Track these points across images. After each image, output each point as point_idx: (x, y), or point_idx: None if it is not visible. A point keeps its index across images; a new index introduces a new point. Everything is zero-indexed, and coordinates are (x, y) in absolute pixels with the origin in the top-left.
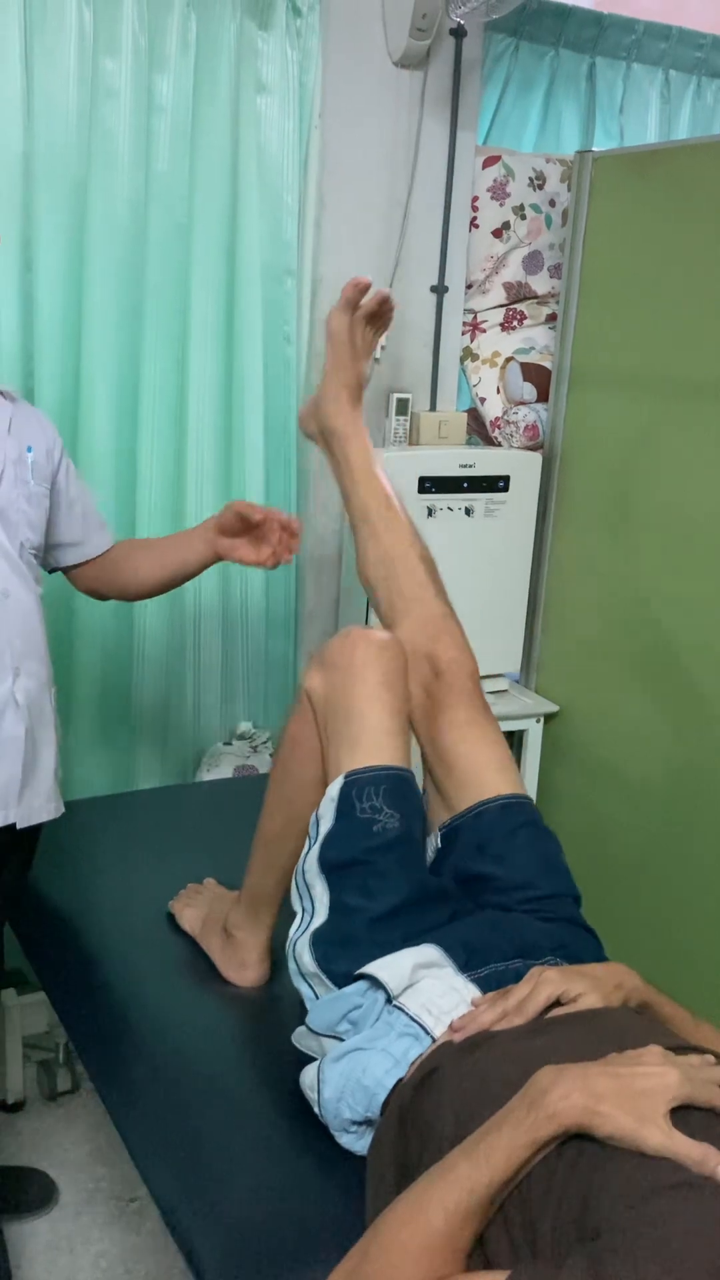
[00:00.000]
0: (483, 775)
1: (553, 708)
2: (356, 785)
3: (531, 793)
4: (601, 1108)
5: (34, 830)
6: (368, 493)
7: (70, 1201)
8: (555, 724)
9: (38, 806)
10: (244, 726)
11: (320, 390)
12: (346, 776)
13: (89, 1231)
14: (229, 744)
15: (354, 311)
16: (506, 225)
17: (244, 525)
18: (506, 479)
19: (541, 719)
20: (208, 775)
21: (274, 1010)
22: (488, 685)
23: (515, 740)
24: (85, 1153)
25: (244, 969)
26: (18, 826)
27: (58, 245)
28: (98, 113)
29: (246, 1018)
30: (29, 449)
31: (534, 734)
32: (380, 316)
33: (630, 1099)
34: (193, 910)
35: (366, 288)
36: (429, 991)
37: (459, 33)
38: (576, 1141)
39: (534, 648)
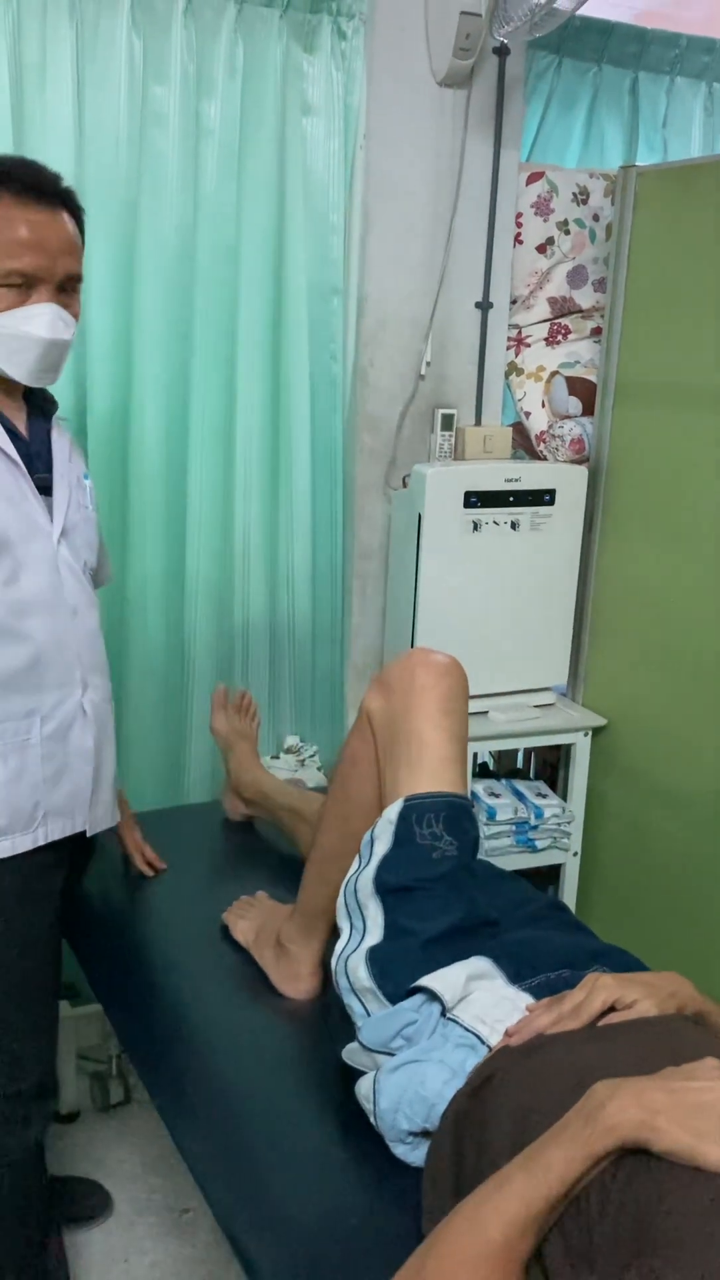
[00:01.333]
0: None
1: (600, 721)
2: (417, 811)
3: (579, 807)
4: (658, 1122)
5: (89, 842)
6: (288, 799)
7: (124, 1212)
8: (603, 738)
9: (102, 815)
10: (291, 740)
11: (231, 780)
12: (406, 801)
13: (143, 1242)
14: (277, 757)
15: (225, 709)
16: (550, 240)
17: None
18: (552, 492)
19: (589, 732)
20: None
21: (326, 1022)
22: (534, 699)
23: (563, 754)
24: (138, 1164)
25: (297, 981)
26: (87, 834)
27: (109, 268)
28: (147, 138)
29: (300, 1029)
30: (85, 475)
31: (581, 748)
32: (245, 710)
33: (687, 1114)
34: (246, 922)
35: (225, 692)
36: (482, 1002)
37: (502, 51)
38: (633, 1156)
39: (581, 661)
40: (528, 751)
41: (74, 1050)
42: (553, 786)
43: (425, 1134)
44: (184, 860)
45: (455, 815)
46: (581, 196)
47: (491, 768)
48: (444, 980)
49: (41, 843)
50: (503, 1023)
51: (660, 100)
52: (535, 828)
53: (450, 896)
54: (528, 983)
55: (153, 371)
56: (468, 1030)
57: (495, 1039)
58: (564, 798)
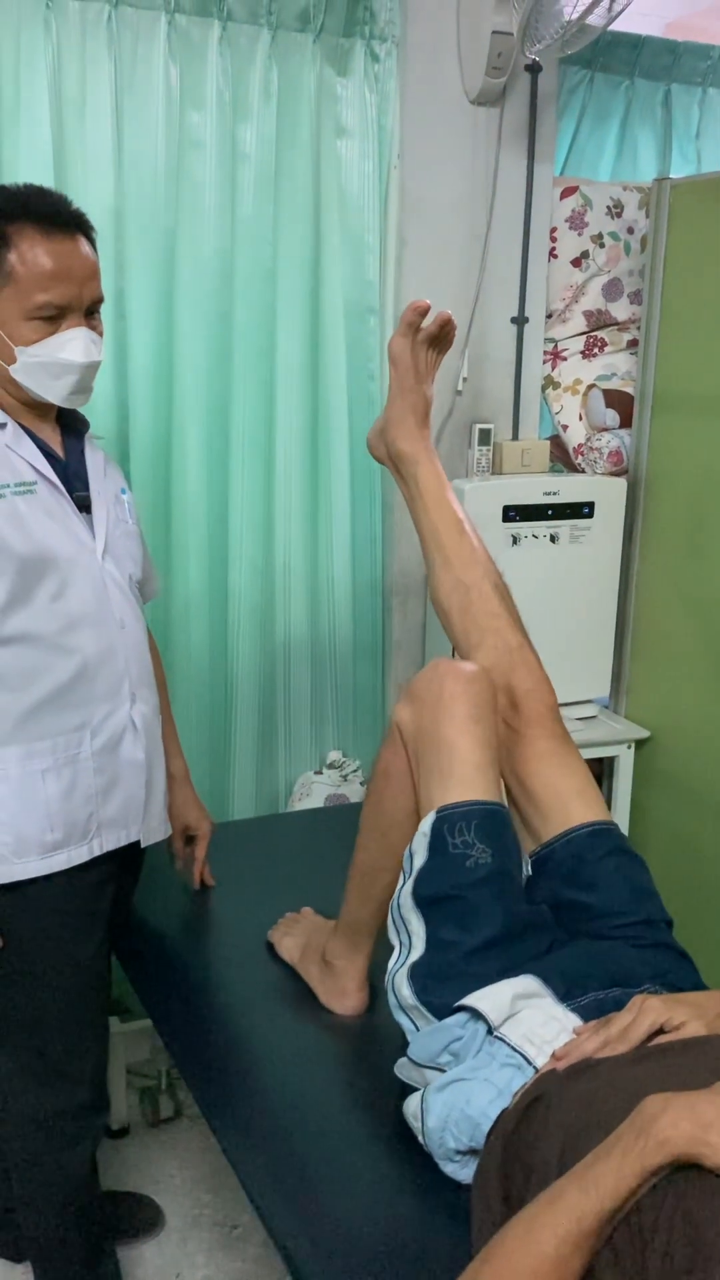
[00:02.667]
0: (567, 804)
1: (643, 733)
2: (448, 821)
3: (623, 819)
4: (710, 1137)
5: (139, 855)
6: (439, 518)
7: (175, 1227)
8: (646, 750)
9: (154, 826)
10: (334, 755)
11: (386, 414)
12: (438, 812)
13: (195, 1257)
14: (319, 773)
15: (415, 335)
16: (585, 254)
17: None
18: (591, 505)
19: (632, 745)
20: (299, 804)
21: (374, 1038)
22: (576, 711)
23: (606, 766)
24: (188, 1179)
25: (343, 997)
26: (141, 844)
27: (149, 294)
28: (184, 164)
29: (348, 1045)
30: (123, 490)
31: (625, 760)
32: (441, 339)
33: None
34: (291, 939)
35: (425, 310)
36: (530, 1021)
37: (534, 68)
38: (686, 1171)
39: (623, 673)
40: None
41: (123, 1066)
42: None
43: (473, 1152)
44: (230, 877)
45: (487, 821)
46: (615, 210)
47: None
48: (490, 999)
49: (97, 853)
50: (550, 1043)
51: (693, 112)
52: None
53: (489, 904)
54: (577, 1001)
55: (194, 393)
56: (514, 1050)
57: (542, 1060)
58: (609, 809)
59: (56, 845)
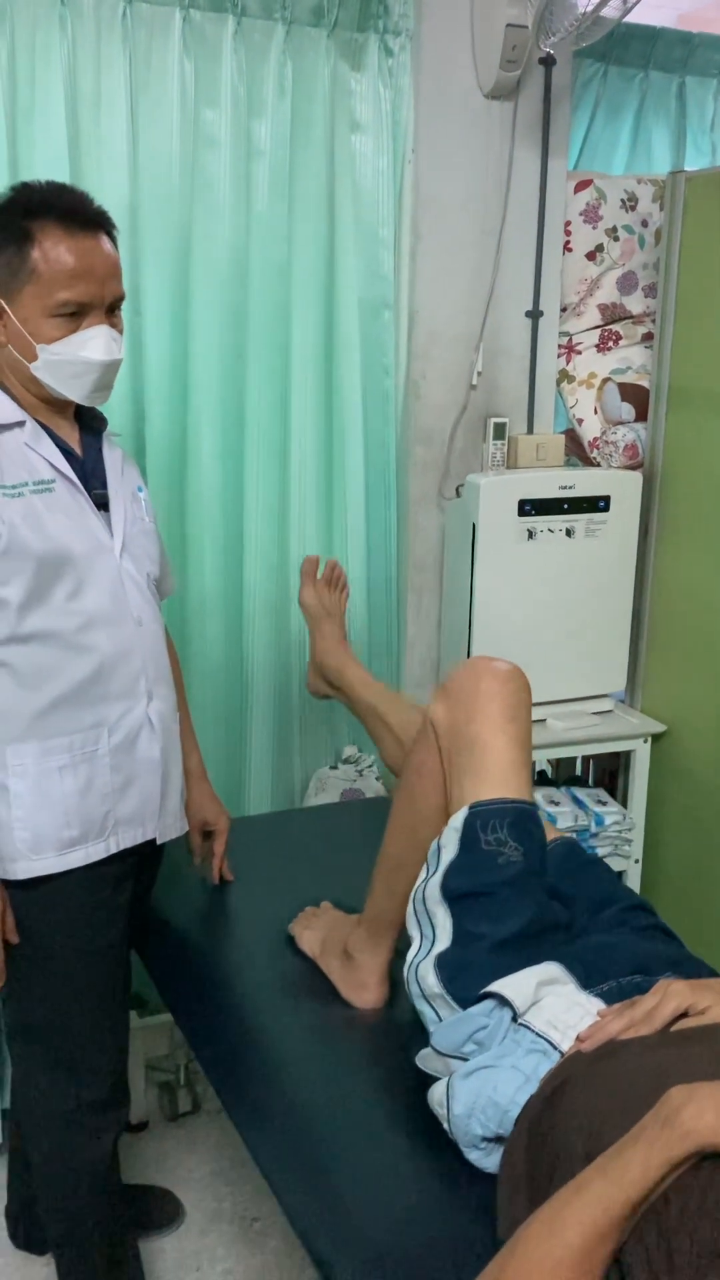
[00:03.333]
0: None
1: (659, 728)
2: (481, 817)
3: (639, 814)
4: None
5: (158, 852)
6: (373, 697)
7: (195, 1220)
8: (663, 744)
9: (171, 823)
10: (349, 750)
11: (312, 656)
12: (471, 808)
13: (215, 1250)
14: (334, 768)
15: (314, 582)
16: (600, 248)
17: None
18: (607, 499)
19: (648, 739)
20: (315, 799)
21: (395, 1031)
22: (591, 706)
23: (622, 761)
24: (208, 1172)
25: (364, 990)
26: (157, 841)
27: (164, 291)
28: (199, 161)
29: (368, 1038)
30: (140, 488)
31: (641, 755)
32: (335, 581)
33: None
34: (312, 932)
35: (317, 561)
36: (553, 1008)
37: (549, 61)
38: (714, 1160)
39: (639, 667)
40: (586, 759)
41: (142, 1060)
42: (612, 794)
43: (499, 1139)
44: (247, 872)
45: (521, 821)
46: (630, 203)
47: (550, 776)
48: (514, 986)
49: (114, 850)
50: (574, 1028)
51: (708, 104)
52: (596, 835)
53: (518, 901)
54: (599, 988)
55: (208, 389)
56: (539, 1036)
57: (567, 1044)
58: (624, 805)
59: (73, 842)
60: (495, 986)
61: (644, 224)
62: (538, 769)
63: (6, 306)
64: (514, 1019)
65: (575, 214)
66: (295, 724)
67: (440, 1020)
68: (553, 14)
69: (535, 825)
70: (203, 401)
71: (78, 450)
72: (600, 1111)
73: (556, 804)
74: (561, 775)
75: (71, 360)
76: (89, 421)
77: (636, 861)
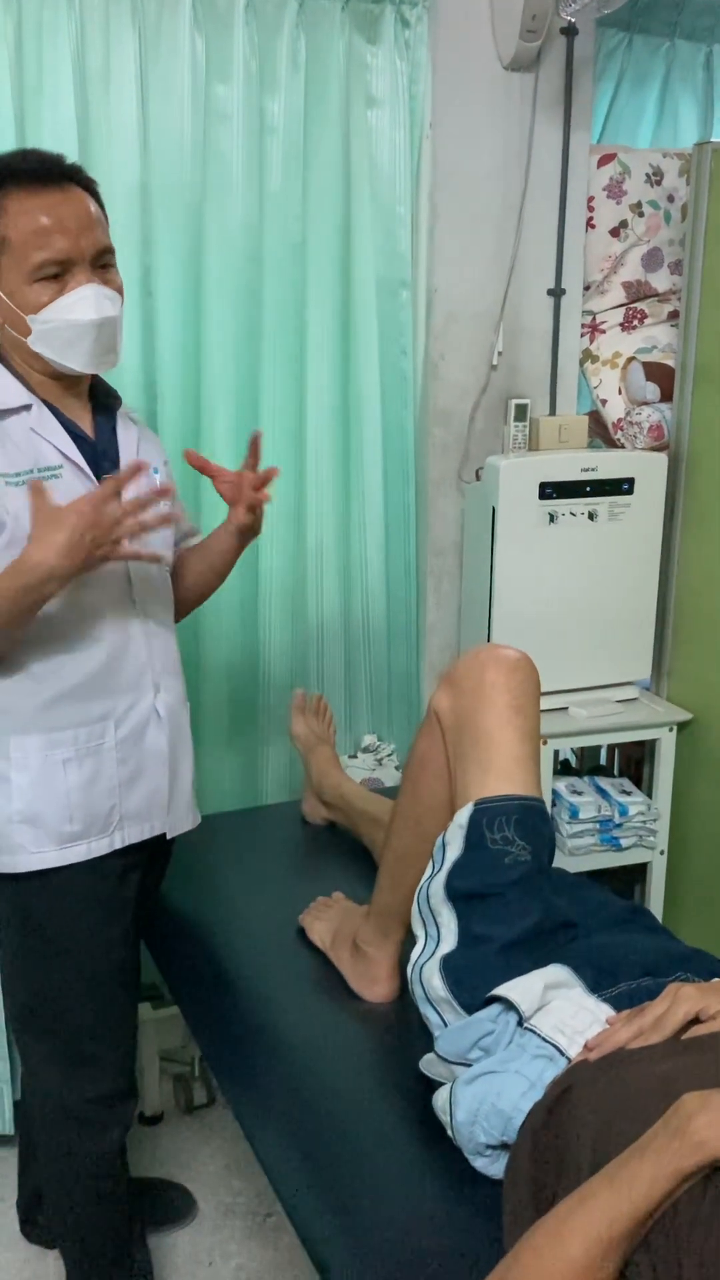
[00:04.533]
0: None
1: (686, 716)
2: (487, 815)
3: (665, 804)
4: None
5: (168, 844)
6: (372, 807)
7: (208, 1214)
8: (688, 732)
9: (181, 816)
10: (369, 739)
11: (312, 782)
12: (477, 804)
13: (227, 1245)
14: (354, 757)
15: (303, 713)
16: (624, 224)
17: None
18: (631, 481)
19: (674, 728)
20: None
21: (404, 1026)
22: (616, 694)
23: (647, 750)
24: (222, 1166)
25: (374, 984)
26: (167, 836)
27: (176, 271)
28: (211, 138)
29: (378, 1033)
30: (155, 470)
31: (666, 743)
32: (321, 710)
33: None
34: (322, 924)
35: (304, 695)
36: (561, 1012)
37: (570, 31)
38: None
39: (665, 654)
40: (611, 748)
41: (156, 1052)
42: (638, 783)
43: (504, 1146)
44: (261, 862)
45: (527, 818)
46: (655, 177)
47: (574, 765)
48: (521, 989)
49: (119, 846)
50: (582, 1034)
51: None
52: (619, 826)
53: (525, 901)
54: (608, 992)
55: (222, 371)
56: (546, 1041)
57: (574, 1050)
58: (649, 794)
59: (75, 837)
60: (501, 990)
61: (670, 199)
62: (561, 758)
63: None
64: (520, 1023)
65: (598, 189)
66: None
67: (445, 1025)
68: None
69: (542, 822)
70: (216, 384)
71: (89, 432)
72: (607, 1121)
73: (579, 794)
74: (586, 764)
75: (63, 325)
76: (103, 400)
77: (662, 853)
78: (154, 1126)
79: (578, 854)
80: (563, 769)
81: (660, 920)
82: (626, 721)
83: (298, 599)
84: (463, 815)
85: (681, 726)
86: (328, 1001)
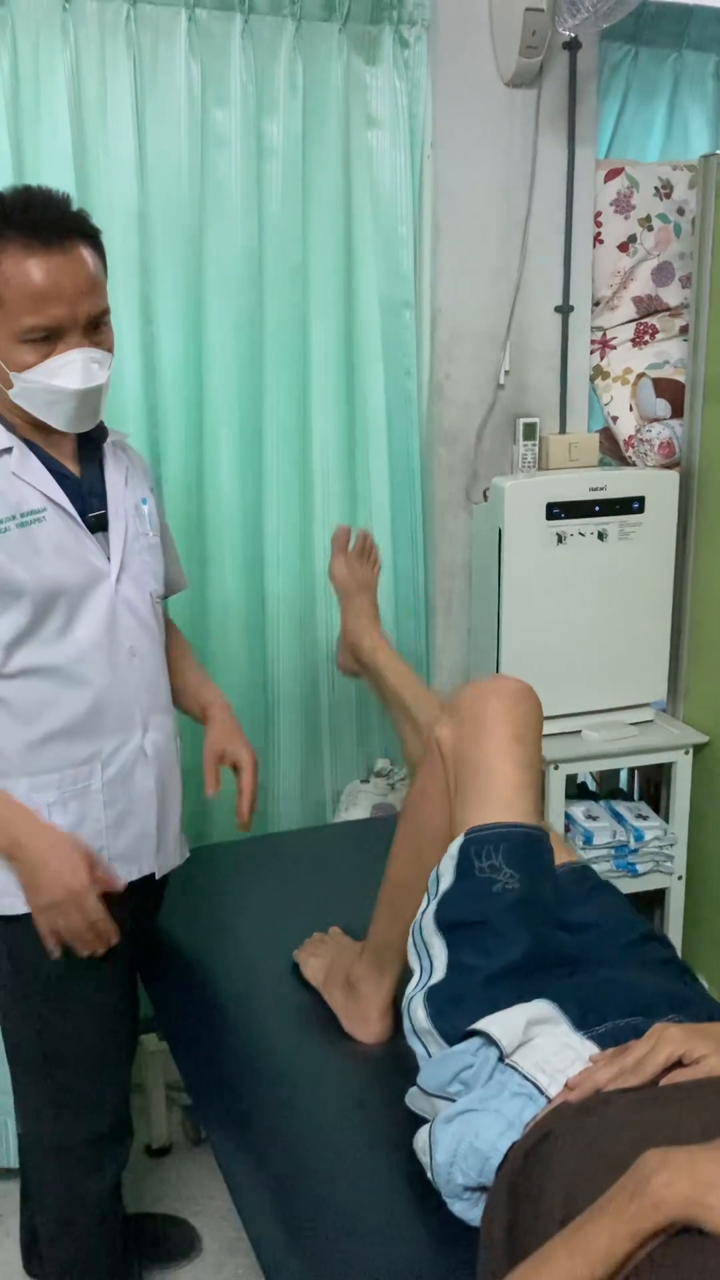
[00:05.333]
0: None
1: (702, 738)
2: (476, 843)
3: (681, 828)
4: (709, 1199)
5: (160, 882)
6: (402, 689)
7: (212, 1250)
8: (705, 755)
9: (170, 855)
10: (381, 763)
11: (342, 630)
12: (467, 834)
13: None
14: (366, 781)
15: (345, 554)
16: (633, 238)
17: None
18: (641, 499)
19: (690, 750)
20: (346, 814)
21: (396, 1068)
22: (631, 716)
23: (663, 773)
24: (228, 1201)
25: (366, 1024)
26: (156, 876)
27: (176, 297)
28: (209, 162)
29: (367, 1076)
30: (144, 501)
31: (683, 766)
32: (367, 553)
33: None
34: (317, 960)
35: (347, 534)
36: (543, 1049)
37: (573, 45)
38: (686, 1234)
39: (680, 675)
40: (630, 770)
41: (163, 1084)
42: (656, 807)
43: (482, 1189)
44: (265, 893)
45: (518, 846)
46: (664, 190)
47: (592, 788)
48: (501, 1024)
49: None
50: (564, 1072)
51: None
52: (635, 851)
53: (513, 931)
54: (594, 1030)
55: (225, 396)
56: (526, 1079)
57: (555, 1089)
58: (667, 818)
59: None
60: (481, 1024)
61: (680, 212)
62: (579, 782)
63: None
64: (501, 1059)
65: (606, 204)
66: (324, 737)
67: (430, 1056)
68: None
69: (536, 851)
70: (219, 409)
71: (74, 469)
72: (578, 1174)
73: (595, 819)
74: (604, 788)
75: (46, 389)
76: (88, 433)
77: (680, 878)
78: (161, 1159)
79: None
80: (580, 793)
81: (679, 947)
82: (640, 745)
83: (306, 623)
84: (455, 846)
85: (698, 749)
86: (317, 1041)
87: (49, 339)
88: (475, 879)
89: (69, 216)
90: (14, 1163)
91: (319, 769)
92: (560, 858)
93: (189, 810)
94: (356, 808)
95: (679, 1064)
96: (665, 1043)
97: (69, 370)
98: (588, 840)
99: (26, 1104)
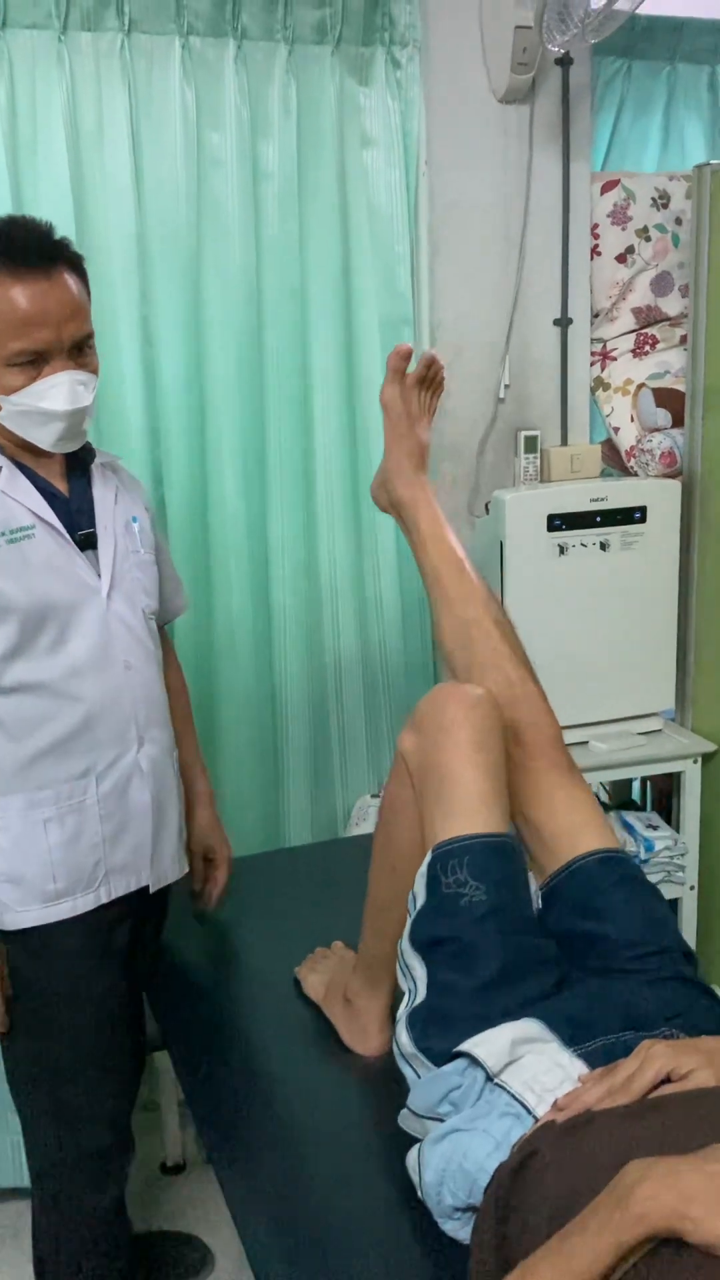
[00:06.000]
0: (574, 837)
1: (710, 747)
2: (442, 859)
3: (692, 838)
4: (692, 1211)
5: (162, 896)
6: (439, 558)
7: (225, 1269)
8: (715, 764)
9: (166, 870)
10: None
11: (384, 463)
12: (434, 850)
13: None
14: (377, 795)
15: (403, 380)
16: (630, 249)
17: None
18: (643, 509)
19: (699, 759)
20: (357, 828)
21: (395, 1083)
22: (639, 726)
23: (672, 783)
24: None
25: (366, 1037)
26: (151, 889)
27: (176, 319)
28: (205, 185)
29: (367, 1090)
30: (134, 519)
31: (692, 775)
32: (430, 380)
33: None
34: (317, 976)
35: (409, 354)
36: (532, 1068)
37: (565, 61)
38: (669, 1246)
39: (687, 684)
40: (643, 781)
41: (176, 1100)
42: (667, 816)
43: (472, 1209)
44: (272, 909)
45: (483, 856)
46: (661, 201)
47: (604, 800)
48: (487, 1045)
49: (104, 900)
50: (553, 1092)
51: None
52: (646, 862)
53: (487, 943)
54: (584, 1047)
55: (227, 416)
56: (514, 1098)
57: (543, 1109)
58: (678, 828)
59: (60, 894)
60: (466, 1046)
61: (678, 222)
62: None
63: None
64: (488, 1079)
65: (603, 216)
66: (334, 751)
67: (419, 1079)
68: (557, 12)
69: (501, 857)
70: (221, 430)
71: (62, 489)
72: (563, 1190)
73: None
74: (616, 799)
75: (34, 410)
76: (77, 453)
77: (692, 888)
78: (175, 1176)
79: None
80: None
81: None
82: (648, 755)
83: (314, 639)
84: (424, 863)
85: (707, 758)
86: (318, 1057)
87: (35, 362)
88: (443, 895)
89: (52, 243)
90: (25, 1181)
91: (329, 784)
92: (597, 843)
93: None
94: (368, 822)
95: (667, 1080)
96: (653, 1059)
97: (56, 392)
98: (624, 834)
99: (28, 1120)
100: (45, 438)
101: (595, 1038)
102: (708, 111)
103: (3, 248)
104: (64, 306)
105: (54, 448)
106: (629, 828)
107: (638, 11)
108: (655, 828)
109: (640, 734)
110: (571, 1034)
